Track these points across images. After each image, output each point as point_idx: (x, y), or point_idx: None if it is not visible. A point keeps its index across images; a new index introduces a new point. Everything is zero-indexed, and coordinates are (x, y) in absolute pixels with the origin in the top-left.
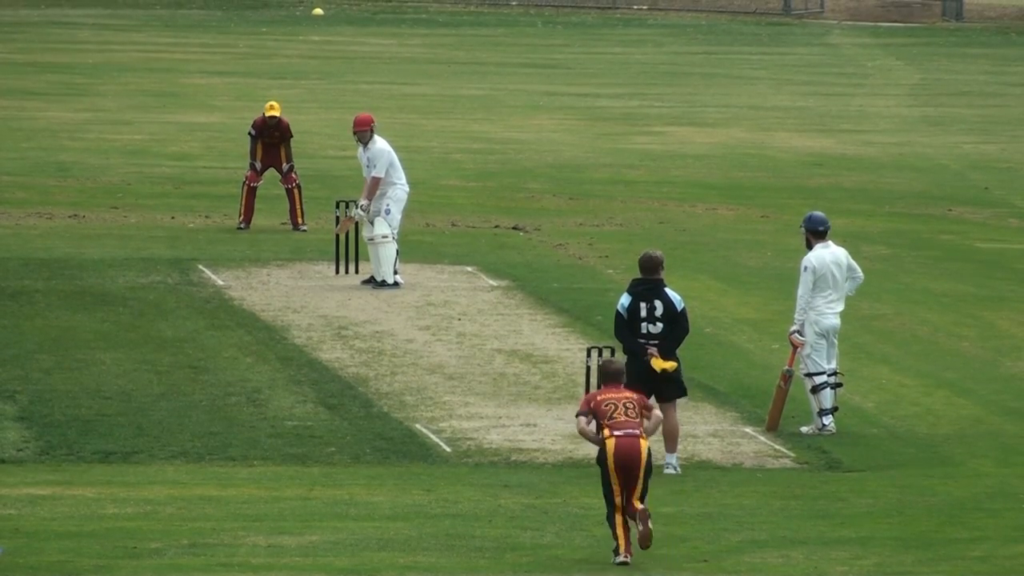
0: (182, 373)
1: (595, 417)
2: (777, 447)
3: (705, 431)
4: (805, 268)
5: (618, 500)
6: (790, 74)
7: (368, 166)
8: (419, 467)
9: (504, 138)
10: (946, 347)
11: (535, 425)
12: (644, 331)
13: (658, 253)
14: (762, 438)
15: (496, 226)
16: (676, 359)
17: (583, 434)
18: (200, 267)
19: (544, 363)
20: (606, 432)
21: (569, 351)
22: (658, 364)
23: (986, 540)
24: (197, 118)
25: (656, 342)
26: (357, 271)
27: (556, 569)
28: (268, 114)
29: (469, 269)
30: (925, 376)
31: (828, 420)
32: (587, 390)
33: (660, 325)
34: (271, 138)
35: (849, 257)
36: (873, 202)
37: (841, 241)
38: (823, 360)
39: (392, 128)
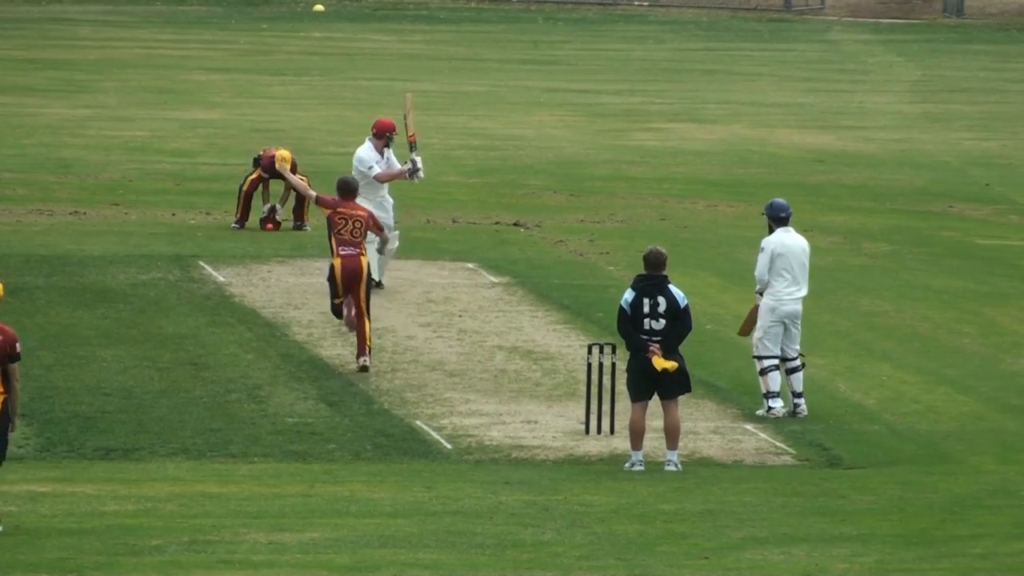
0: (183, 370)
1: (328, 223)
2: (778, 444)
3: (706, 428)
4: (763, 249)
5: (339, 300)
6: (791, 70)
7: (387, 163)
8: (420, 464)
9: (505, 134)
10: (947, 344)
11: (536, 422)
12: (647, 327)
13: (664, 249)
14: (763, 435)
15: (497, 222)
16: (679, 356)
17: (314, 200)
18: (201, 264)
19: (545, 360)
20: (334, 248)
21: (570, 348)
22: (659, 363)
23: (987, 537)
24: (198, 115)
25: (658, 338)
26: None
27: (557, 566)
28: (280, 163)
29: (470, 266)
30: (926, 373)
31: (776, 403)
32: (588, 387)
33: (663, 321)
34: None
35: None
36: (874, 199)
37: (842, 238)
38: (774, 346)
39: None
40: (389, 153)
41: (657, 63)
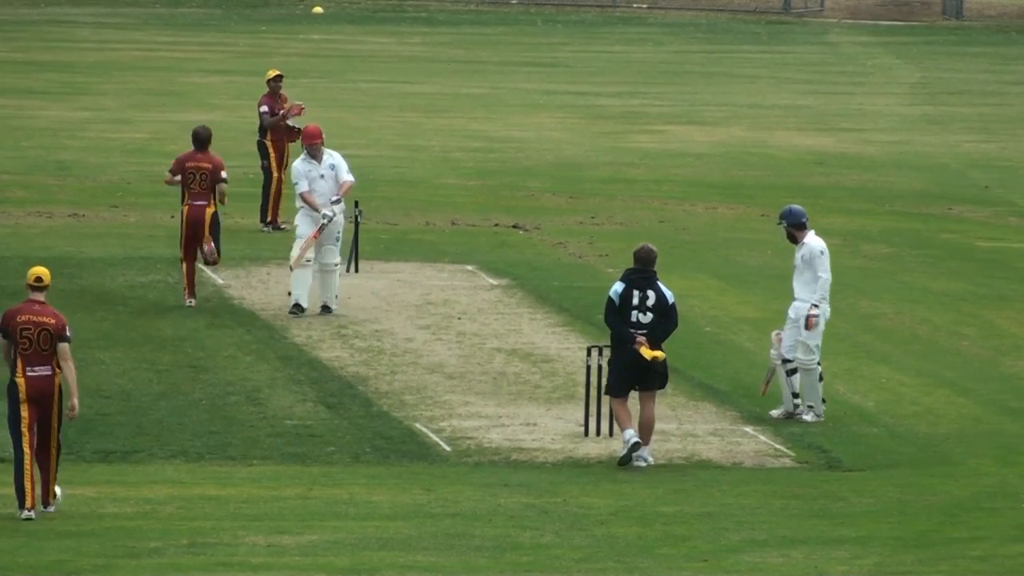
0: (182, 372)
1: (174, 182)
2: (777, 446)
3: (705, 430)
4: (822, 252)
5: (182, 253)
6: (790, 73)
7: (334, 174)
8: (419, 466)
9: (504, 137)
10: (946, 346)
11: (535, 424)
12: (634, 319)
13: (654, 247)
14: (762, 437)
15: (496, 225)
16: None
17: (167, 184)
18: (200, 266)
19: (544, 362)
20: (184, 200)
21: (569, 350)
22: (648, 353)
23: (986, 539)
24: (197, 117)
25: (644, 332)
26: (357, 270)
27: (556, 569)
28: (272, 75)
29: (469, 268)
30: (925, 375)
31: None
32: (587, 389)
33: (650, 315)
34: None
35: None
36: (873, 201)
37: (841, 240)
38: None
39: (392, 127)
40: (332, 160)
41: (656, 65)
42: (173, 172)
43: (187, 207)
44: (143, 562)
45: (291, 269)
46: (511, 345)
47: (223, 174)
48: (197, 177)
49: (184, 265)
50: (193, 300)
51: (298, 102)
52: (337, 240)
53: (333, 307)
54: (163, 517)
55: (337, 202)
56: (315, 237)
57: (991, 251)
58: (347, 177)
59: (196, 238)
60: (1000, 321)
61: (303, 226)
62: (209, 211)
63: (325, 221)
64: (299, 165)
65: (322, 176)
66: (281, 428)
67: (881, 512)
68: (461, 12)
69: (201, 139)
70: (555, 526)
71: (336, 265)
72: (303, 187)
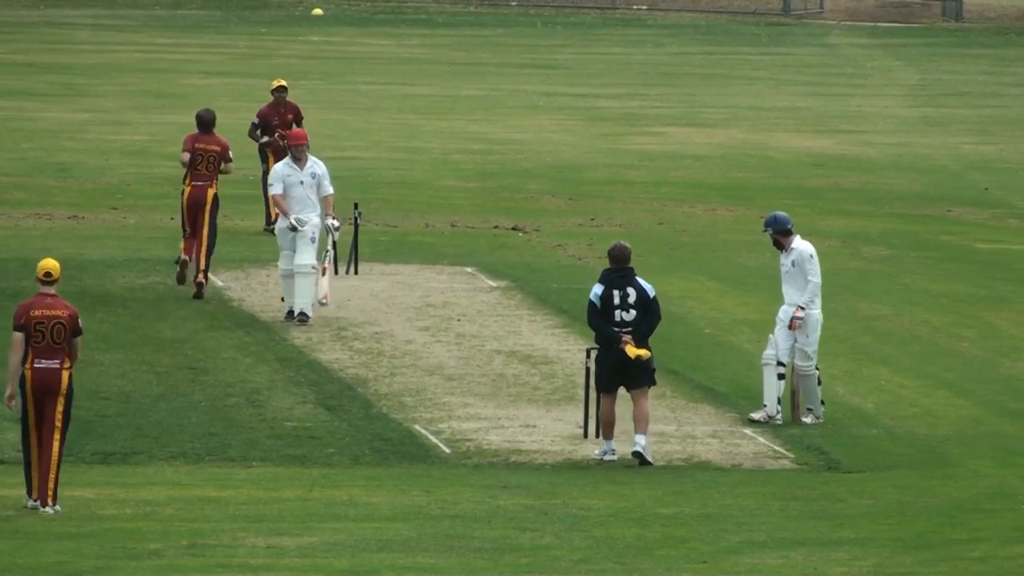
0: (181, 374)
1: (187, 161)
2: (776, 448)
3: (704, 432)
4: (812, 256)
5: (186, 239)
6: (789, 74)
7: (314, 183)
8: (418, 468)
9: (503, 138)
10: (945, 348)
11: (534, 426)
12: (618, 319)
13: (628, 244)
14: (761, 439)
15: (495, 227)
16: (648, 348)
17: (183, 164)
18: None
19: (543, 364)
20: (187, 181)
21: (568, 352)
22: (632, 351)
23: (985, 541)
24: None
25: (629, 329)
26: (356, 271)
27: (555, 570)
28: (276, 85)
29: (468, 270)
30: (924, 377)
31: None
32: (587, 391)
33: (633, 312)
34: (283, 123)
35: None
36: (872, 203)
37: (841, 242)
38: None
39: (392, 129)
40: (316, 168)
41: (655, 67)
42: (184, 150)
43: (189, 187)
44: (142, 563)
45: (321, 304)
46: (510, 347)
47: (230, 154)
48: (205, 158)
49: (184, 242)
50: (203, 280)
51: (281, 135)
52: (312, 241)
53: (310, 313)
54: (162, 519)
55: (338, 229)
56: (324, 269)
57: (991, 253)
58: (330, 189)
59: (197, 220)
60: (999, 323)
61: (282, 238)
62: (211, 192)
63: (310, 231)
64: (280, 168)
65: (301, 183)
66: (281, 430)
67: (880, 513)
68: (460, 14)
69: (205, 121)
70: (554, 527)
71: (311, 268)
72: (277, 190)
